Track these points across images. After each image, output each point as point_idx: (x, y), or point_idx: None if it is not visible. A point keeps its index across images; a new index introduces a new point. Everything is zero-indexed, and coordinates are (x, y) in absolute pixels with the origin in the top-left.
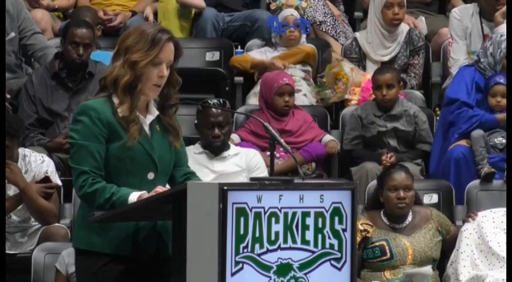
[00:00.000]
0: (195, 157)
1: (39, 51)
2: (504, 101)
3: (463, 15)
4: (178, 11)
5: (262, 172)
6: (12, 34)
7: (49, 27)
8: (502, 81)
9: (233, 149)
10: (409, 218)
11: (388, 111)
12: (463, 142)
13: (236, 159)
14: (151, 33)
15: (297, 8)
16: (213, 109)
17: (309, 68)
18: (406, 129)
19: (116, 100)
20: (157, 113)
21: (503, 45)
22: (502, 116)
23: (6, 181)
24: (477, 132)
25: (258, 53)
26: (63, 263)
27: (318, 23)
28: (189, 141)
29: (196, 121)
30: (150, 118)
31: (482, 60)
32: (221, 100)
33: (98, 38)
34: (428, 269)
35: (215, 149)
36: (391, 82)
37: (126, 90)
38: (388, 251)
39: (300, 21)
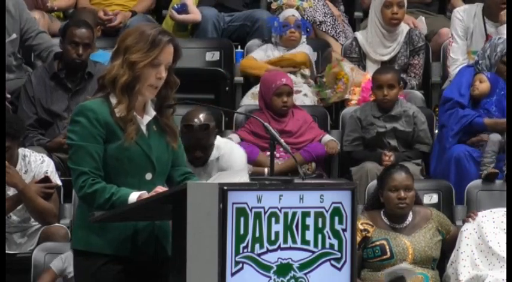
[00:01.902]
0: None
1: (45, 51)
2: (481, 86)
3: (465, 15)
4: (175, 27)
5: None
6: (14, 35)
7: (46, 28)
8: (485, 74)
9: (215, 151)
10: (409, 218)
11: (388, 111)
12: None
13: (218, 165)
14: (152, 34)
15: (297, 8)
16: (196, 132)
17: (307, 72)
18: (405, 129)
19: (113, 100)
20: (154, 113)
21: (499, 48)
22: (490, 121)
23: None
24: (496, 137)
25: (261, 51)
26: (60, 263)
27: (318, 23)
28: None
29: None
30: (147, 118)
31: (480, 61)
32: (205, 124)
33: (97, 38)
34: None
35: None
36: (392, 82)
37: (124, 90)
38: (388, 250)
39: (301, 22)
